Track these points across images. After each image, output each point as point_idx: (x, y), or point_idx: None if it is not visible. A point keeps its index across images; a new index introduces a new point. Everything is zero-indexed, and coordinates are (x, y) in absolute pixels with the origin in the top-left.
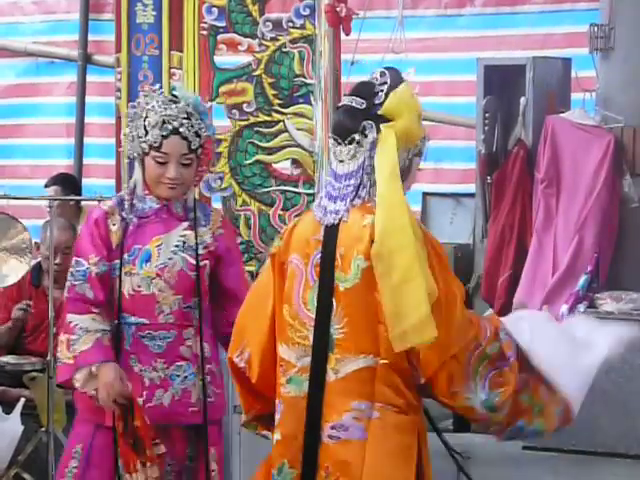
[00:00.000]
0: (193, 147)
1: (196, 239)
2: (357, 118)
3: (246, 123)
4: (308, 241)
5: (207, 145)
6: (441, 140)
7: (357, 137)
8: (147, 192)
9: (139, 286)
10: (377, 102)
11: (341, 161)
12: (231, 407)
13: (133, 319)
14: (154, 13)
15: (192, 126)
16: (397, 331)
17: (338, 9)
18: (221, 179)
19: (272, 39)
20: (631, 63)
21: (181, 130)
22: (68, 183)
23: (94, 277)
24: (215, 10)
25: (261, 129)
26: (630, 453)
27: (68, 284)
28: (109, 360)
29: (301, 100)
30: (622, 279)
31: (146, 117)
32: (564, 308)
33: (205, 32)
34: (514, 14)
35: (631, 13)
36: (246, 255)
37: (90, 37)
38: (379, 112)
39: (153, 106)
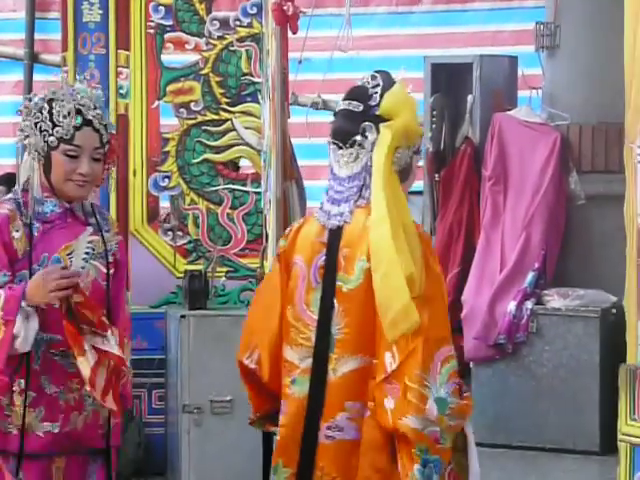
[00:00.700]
0: (104, 141)
1: (105, 245)
2: (356, 120)
3: (194, 122)
4: (313, 243)
5: (112, 141)
6: None
7: (358, 139)
8: (46, 194)
9: None
10: (373, 104)
11: (345, 164)
12: (180, 406)
13: (44, 336)
14: (100, 12)
15: (102, 118)
16: (387, 321)
17: (285, 7)
18: (169, 178)
19: (219, 38)
20: (577, 61)
21: (94, 122)
22: (13, 183)
23: None
24: (162, 9)
25: (209, 128)
26: (577, 449)
27: None
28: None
29: (249, 99)
30: (569, 276)
31: (51, 108)
32: (512, 305)
33: (152, 31)
34: (464, 12)
35: (576, 11)
36: (194, 254)
37: (36, 36)
38: (377, 113)
39: (61, 95)
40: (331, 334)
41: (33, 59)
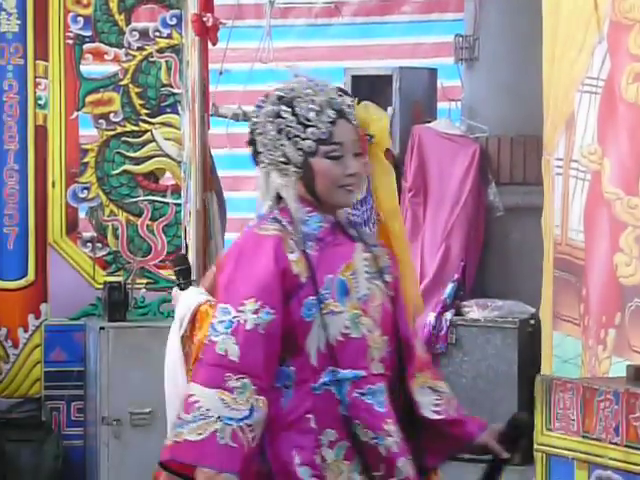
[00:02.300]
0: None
1: (379, 263)
2: None
3: (113, 133)
4: None
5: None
6: None
7: None
8: (309, 209)
9: (347, 327)
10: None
11: None
12: (99, 418)
13: (349, 373)
14: (18, 22)
15: (350, 106)
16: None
17: (204, 19)
18: (88, 189)
19: (139, 48)
20: (495, 73)
21: (346, 111)
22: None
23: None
24: (81, 19)
25: (128, 139)
26: None
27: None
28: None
29: (168, 110)
30: (488, 287)
31: (293, 109)
32: (431, 316)
33: (71, 41)
34: (383, 24)
35: (495, 24)
36: (114, 265)
37: None
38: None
39: (301, 91)
40: None
41: None
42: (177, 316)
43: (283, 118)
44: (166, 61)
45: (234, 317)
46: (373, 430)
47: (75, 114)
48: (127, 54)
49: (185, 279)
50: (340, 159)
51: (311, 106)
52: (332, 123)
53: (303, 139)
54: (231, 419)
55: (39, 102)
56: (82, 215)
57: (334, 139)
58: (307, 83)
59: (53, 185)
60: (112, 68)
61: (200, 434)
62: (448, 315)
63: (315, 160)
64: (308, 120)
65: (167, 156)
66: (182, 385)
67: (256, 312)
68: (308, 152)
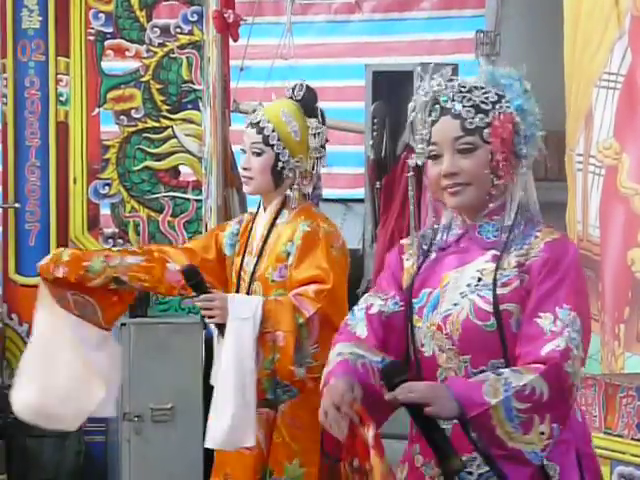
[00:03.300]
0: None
1: (495, 273)
2: None
3: (134, 129)
4: None
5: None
6: (331, 145)
7: None
8: (455, 213)
9: (422, 345)
10: None
11: None
12: (120, 414)
13: None
14: (40, 19)
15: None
16: None
17: (226, 15)
18: (109, 185)
19: (160, 45)
20: (516, 69)
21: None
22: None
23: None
24: (102, 16)
25: (149, 135)
26: None
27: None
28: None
29: (189, 106)
30: None
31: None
32: None
33: (92, 38)
34: (402, 20)
35: (516, 20)
36: None
37: None
38: None
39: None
40: None
41: None
42: (242, 316)
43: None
44: (187, 57)
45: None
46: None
47: (96, 110)
48: (148, 50)
49: (203, 291)
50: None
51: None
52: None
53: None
54: None
55: (60, 98)
56: (103, 211)
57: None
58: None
59: (74, 181)
60: (133, 64)
61: None
62: None
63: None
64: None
65: (188, 152)
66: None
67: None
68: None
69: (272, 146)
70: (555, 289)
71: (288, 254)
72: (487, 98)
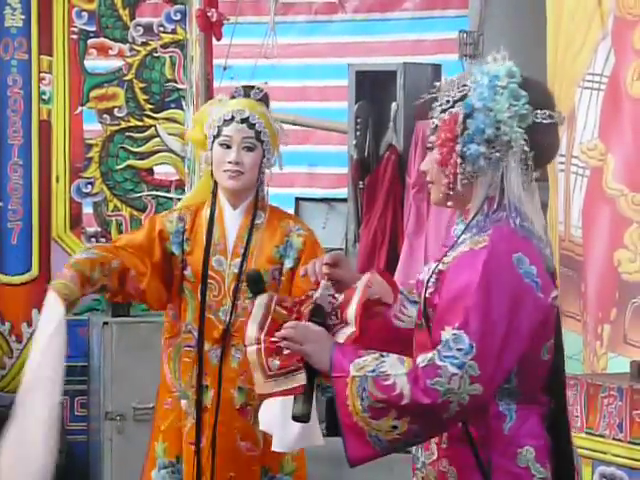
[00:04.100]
0: None
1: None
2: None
3: (117, 128)
4: None
5: None
6: (314, 145)
7: None
8: None
9: None
10: None
11: None
12: (102, 413)
13: None
14: (23, 17)
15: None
16: None
17: (209, 14)
18: (92, 184)
19: (143, 44)
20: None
21: None
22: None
23: None
24: (85, 14)
25: (132, 134)
26: None
27: None
28: None
29: (173, 105)
30: None
31: None
32: None
33: (75, 36)
34: (385, 20)
35: (499, 20)
36: None
37: None
38: None
39: None
40: None
41: None
42: None
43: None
44: (170, 56)
45: None
46: None
47: (79, 109)
48: (131, 49)
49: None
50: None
51: None
52: None
53: None
54: None
55: (43, 97)
56: (86, 210)
57: None
58: None
59: (57, 180)
60: (116, 63)
61: None
62: None
63: None
64: None
65: (171, 151)
66: None
67: None
68: None
69: (262, 142)
70: (450, 306)
71: (281, 256)
72: (451, 97)
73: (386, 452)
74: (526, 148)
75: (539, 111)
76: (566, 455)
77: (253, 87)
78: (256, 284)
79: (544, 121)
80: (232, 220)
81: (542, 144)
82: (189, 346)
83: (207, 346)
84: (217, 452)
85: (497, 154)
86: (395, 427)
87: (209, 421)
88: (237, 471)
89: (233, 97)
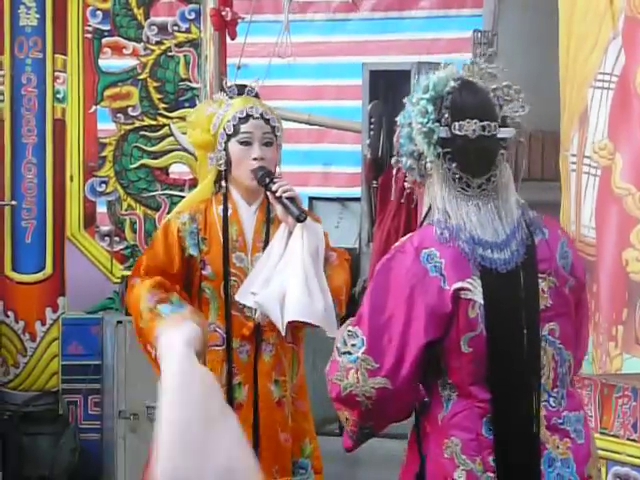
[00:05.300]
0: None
1: None
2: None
3: (131, 127)
4: None
5: None
6: (329, 144)
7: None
8: None
9: None
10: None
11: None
12: (115, 412)
13: None
14: (37, 16)
15: None
16: None
17: (223, 13)
18: (106, 183)
19: (157, 43)
20: (513, 69)
21: None
22: None
23: None
24: (100, 13)
25: (146, 133)
26: None
27: None
28: None
29: (187, 104)
30: None
31: None
32: None
33: (89, 35)
34: (401, 19)
35: (513, 20)
36: (131, 259)
37: None
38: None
39: None
40: None
41: None
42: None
43: None
44: (184, 55)
45: None
46: None
47: (93, 108)
48: (146, 48)
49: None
50: None
51: None
52: None
53: None
54: None
55: (57, 96)
56: (100, 209)
57: None
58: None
59: (71, 179)
60: (131, 62)
61: None
62: None
63: None
64: None
65: (185, 150)
66: None
67: None
68: None
69: (277, 137)
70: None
71: None
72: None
73: (360, 441)
74: (443, 162)
75: (459, 122)
76: (520, 449)
77: (245, 86)
78: (264, 180)
79: (466, 133)
80: (249, 216)
81: (467, 155)
82: (215, 345)
83: (235, 344)
84: (263, 448)
85: (427, 167)
86: (347, 419)
87: (247, 418)
88: (280, 463)
89: (231, 97)
